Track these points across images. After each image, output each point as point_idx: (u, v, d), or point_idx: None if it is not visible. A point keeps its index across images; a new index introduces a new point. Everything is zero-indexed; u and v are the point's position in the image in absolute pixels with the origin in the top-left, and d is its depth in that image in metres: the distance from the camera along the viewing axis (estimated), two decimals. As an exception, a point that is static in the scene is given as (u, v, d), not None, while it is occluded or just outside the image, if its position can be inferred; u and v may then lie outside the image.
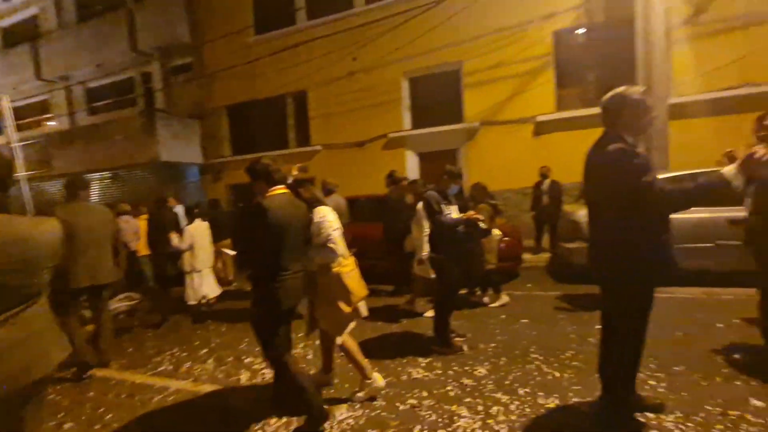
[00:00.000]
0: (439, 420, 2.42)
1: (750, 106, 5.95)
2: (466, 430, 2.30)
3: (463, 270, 3.50)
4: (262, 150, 10.34)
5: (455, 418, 2.43)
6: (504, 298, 4.58)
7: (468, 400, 2.61)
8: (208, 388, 3.13)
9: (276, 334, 2.34)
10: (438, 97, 9.03)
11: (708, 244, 4.33)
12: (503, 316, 4.21)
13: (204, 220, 5.06)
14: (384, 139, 9.26)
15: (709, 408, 2.30)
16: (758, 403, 2.31)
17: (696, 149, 5.76)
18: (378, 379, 2.73)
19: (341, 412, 2.56)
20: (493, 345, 3.49)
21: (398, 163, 9.03)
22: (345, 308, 2.54)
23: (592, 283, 2.17)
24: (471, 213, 3.36)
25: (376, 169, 8.65)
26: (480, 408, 2.51)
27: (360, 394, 2.70)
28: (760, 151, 1.65)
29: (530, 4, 7.83)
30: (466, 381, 2.88)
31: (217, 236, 5.26)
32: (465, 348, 3.44)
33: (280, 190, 2.40)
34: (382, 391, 2.74)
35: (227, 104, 11.25)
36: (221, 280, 5.19)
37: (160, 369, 3.60)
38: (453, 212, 3.39)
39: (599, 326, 2.18)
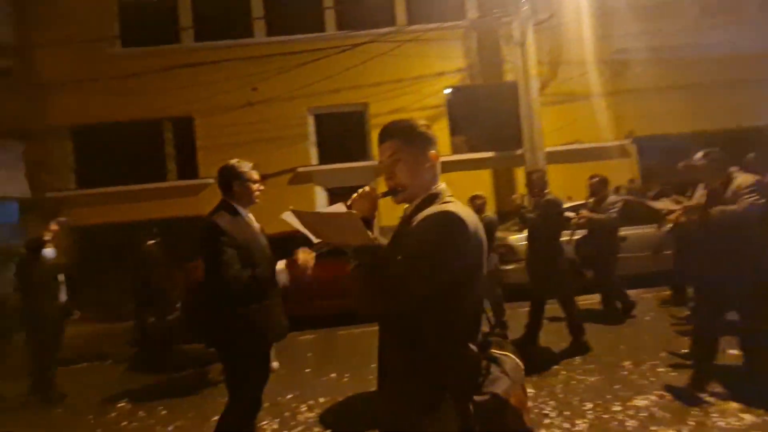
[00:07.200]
0: None
1: (577, 158, 8.30)
2: None
3: None
4: (126, 182, 8.54)
5: None
6: None
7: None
8: None
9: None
10: (345, 135, 9.25)
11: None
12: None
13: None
14: (290, 174, 8.81)
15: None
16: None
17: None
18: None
19: None
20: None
21: (307, 198, 8.69)
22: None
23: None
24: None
25: (283, 206, 8.14)
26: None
27: None
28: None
29: (424, 63, 8.96)
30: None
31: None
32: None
33: None
34: None
35: (72, 124, 8.89)
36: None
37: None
38: None
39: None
